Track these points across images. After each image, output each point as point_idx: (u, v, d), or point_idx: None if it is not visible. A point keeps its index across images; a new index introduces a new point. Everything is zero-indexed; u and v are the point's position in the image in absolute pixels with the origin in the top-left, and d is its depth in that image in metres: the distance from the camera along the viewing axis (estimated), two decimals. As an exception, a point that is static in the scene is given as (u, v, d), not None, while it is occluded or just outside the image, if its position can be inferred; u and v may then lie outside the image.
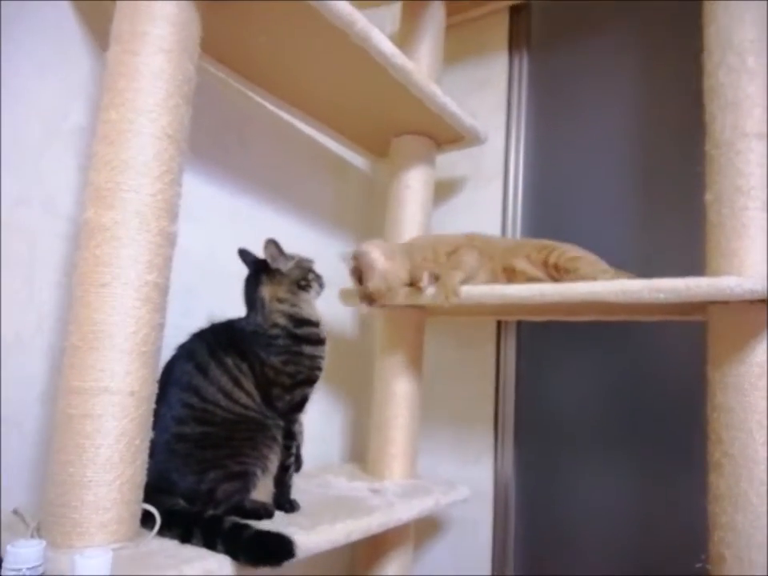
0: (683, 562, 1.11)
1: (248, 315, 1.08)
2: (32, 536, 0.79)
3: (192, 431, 0.94)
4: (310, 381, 1.07)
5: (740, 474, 0.96)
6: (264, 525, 0.88)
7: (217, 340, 1.02)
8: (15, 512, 0.89)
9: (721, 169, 1.04)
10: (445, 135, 1.50)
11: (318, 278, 1.15)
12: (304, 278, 1.11)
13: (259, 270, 1.10)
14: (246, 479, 0.94)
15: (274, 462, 1.00)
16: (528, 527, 1.50)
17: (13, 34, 0.97)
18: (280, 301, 1.08)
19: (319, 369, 1.09)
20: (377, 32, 1.12)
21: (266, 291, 1.08)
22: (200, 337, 1.02)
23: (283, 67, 1.25)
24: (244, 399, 0.99)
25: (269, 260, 1.09)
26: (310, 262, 1.15)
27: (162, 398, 0.90)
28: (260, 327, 1.06)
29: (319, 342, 1.10)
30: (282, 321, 1.06)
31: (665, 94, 1.45)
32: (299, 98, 1.40)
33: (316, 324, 1.10)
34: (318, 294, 1.15)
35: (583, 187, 1.55)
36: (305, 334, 1.07)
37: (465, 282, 1.20)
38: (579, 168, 1.56)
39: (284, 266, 1.10)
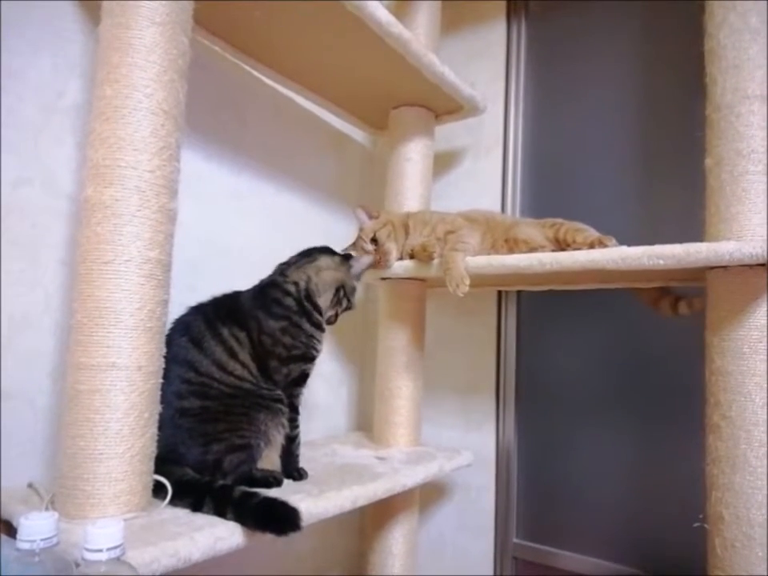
0: (681, 522, 1.14)
1: (280, 266, 1.13)
2: (46, 508, 0.81)
3: (192, 405, 0.95)
4: (306, 358, 1.08)
5: (739, 437, 0.98)
6: (273, 492, 0.90)
7: (215, 311, 1.03)
8: (30, 485, 0.91)
9: (721, 132, 1.02)
10: (443, 106, 1.49)
11: (348, 305, 1.17)
12: (346, 294, 1.15)
13: (331, 251, 1.17)
14: (250, 450, 0.96)
15: (275, 435, 1.01)
16: (530, 491, 1.53)
17: (5, 11, 0.96)
18: (317, 272, 1.11)
19: (315, 350, 1.10)
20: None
21: (323, 261, 1.13)
22: (197, 310, 1.03)
23: (279, 39, 1.23)
24: (239, 371, 0.99)
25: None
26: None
27: (164, 373, 0.91)
28: (281, 277, 1.09)
29: (318, 326, 1.10)
30: (301, 284, 1.09)
31: (664, 60, 1.43)
32: (296, 71, 1.38)
33: (320, 313, 1.12)
34: (335, 312, 1.15)
35: (583, 155, 1.53)
36: (308, 310, 1.09)
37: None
38: (579, 136, 1.54)
39: (354, 270, 1.17)
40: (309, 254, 1.14)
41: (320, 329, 1.11)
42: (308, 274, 1.11)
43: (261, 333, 1.03)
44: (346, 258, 1.18)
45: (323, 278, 1.12)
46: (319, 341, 1.11)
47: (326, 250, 1.17)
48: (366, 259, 1.18)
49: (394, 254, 1.29)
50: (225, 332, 1.00)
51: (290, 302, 1.07)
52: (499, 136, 1.64)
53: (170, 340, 0.98)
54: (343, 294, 1.14)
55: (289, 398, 1.05)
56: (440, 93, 1.40)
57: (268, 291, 1.08)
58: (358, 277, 1.18)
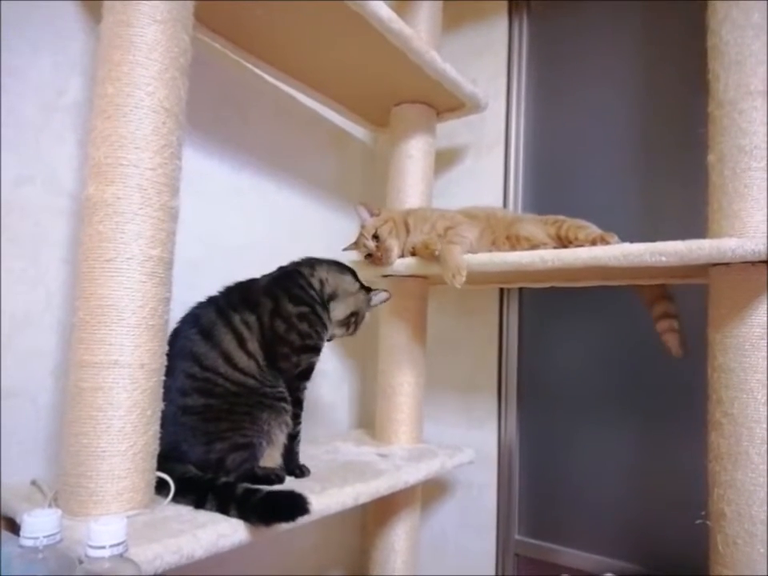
0: (683, 519, 1.14)
1: (308, 259, 1.15)
2: (50, 506, 0.82)
3: (195, 403, 0.95)
4: (317, 349, 1.08)
5: (740, 434, 0.98)
6: (276, 489, 0.89)
7: (227, 299, 1.03)
8: (33, 483, 0.91)
9: (723, 129, 1.02)
10: (445, 103, 1.48)
11: (353, 332, 1.17)
12: (357, 322, 1.16)
13: (356, 275, 1.19)
14: (252, 449, 0.96)
15: (278, 434, 1.00)
16: (532, 488, 1.53)
17: (5, 11, 0.96)
18: (343, 287, 1.13)
19: (323, 341, 1.11)
20: (374, -4, 1.10)
21: (350, 281, 1.16)
22: (208, 302, 1.03)
23: (280, 37, 1.23)
24: (245, 362, 0.98)
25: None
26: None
27: (169, 368, 0.91)
28: (308, 269, 1.11)
29: (324, 325, 1.11)
30: (327, 287, 1.12)
31: (666, 57, 1.42)
32: (298, 69, 1.38)
33: (329, 317, 1.13)
34: (341, 334, 1.16)
35: (584, 152, 1.53)
36: (327, 306, 1.11)
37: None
38: (580, 133, 1.54)
39: (372, 303, 1.19)
40: (339, 264, 1.16)
41: (324, 326, 1.11)
42: (336, 281, 1.13)
43: (275, 316, 1.03)
44: (368, 288, 1.19)
45: (345, 292, 1.14)
46: (327, 332, 1.12)
47: (354, 272, 1.18)
48: (383, 295, 1.20)
49: (396, 251, 1.29)
50: (236, 318, 1.00)
51: (313, 293, 1.09)
52: (501, 133, 1.64)
53: (178, 332, 0.98)
54: (354, 321, 1.16)
55: (294, 391, 1.05)
56: (441, 90, 1.40)
57: (292, 276, 1.09)
58: (371, 309, 1.20)
